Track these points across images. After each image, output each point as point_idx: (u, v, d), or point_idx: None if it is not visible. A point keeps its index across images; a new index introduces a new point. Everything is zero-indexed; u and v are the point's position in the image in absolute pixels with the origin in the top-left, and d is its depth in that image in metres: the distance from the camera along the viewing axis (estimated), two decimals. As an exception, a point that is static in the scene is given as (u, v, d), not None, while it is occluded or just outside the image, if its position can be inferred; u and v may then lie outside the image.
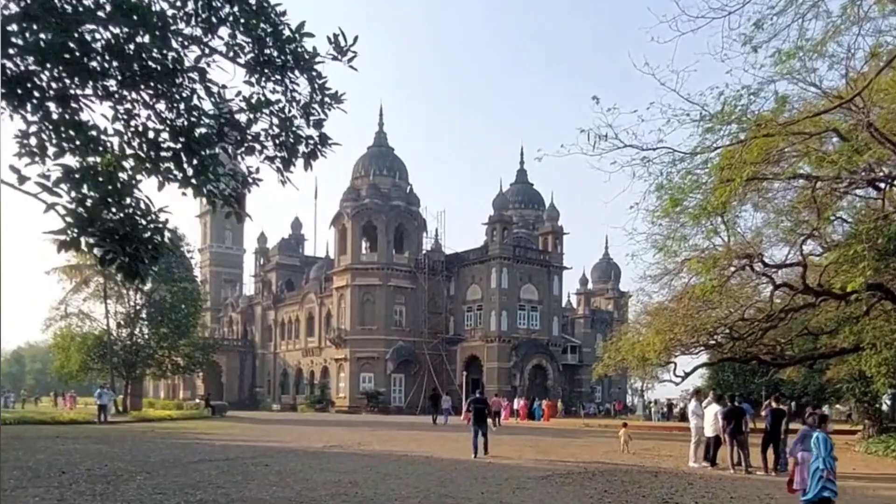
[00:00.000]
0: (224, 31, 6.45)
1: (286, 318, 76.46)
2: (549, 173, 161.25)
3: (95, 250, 5.86)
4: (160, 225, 6.06)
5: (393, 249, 64.80)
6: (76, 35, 5.83)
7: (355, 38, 6.58)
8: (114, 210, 5.87)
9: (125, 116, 6.28)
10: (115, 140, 6.14)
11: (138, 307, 47.77)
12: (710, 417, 17.15)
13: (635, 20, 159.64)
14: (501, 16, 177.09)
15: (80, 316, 47.47)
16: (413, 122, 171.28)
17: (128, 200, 5.97)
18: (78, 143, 5.96)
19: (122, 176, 6.03)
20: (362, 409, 59.61)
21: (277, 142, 6.79)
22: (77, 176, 5.73)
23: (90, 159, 5.98)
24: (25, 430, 26.47)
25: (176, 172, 6.35)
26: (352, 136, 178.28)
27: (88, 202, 5.72)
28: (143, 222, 5.98)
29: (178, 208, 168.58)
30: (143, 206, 5.99)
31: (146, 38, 5.99)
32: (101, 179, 5.81)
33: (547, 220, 65.20)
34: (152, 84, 6.18)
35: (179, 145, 6.32)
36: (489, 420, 20.66)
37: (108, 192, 5.82)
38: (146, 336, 48.19)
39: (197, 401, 57.33)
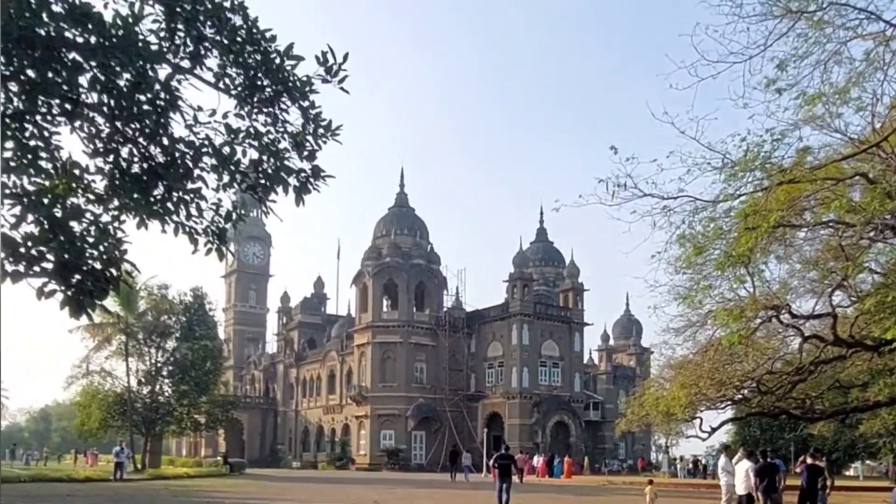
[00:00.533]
0: (212, 61, 5.89)
1: (308, 375, 76.14)
2: (568, 230, 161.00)
3: (31, 281, 5.12)
4: (116, 255, 5.39)
5: (414, 307, 64.75)
6: (59, 67, 5.37)
7: (345, 56, 6.05)
8: (60, 237, 5.19)
9: (102, 149, 5.72)
10: (90, 165, 5.62)
11: (159, 364, 47.68)
12: (742, 474, 16.53)
13: (652, 66, 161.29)
14: (514, 69, 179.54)
15: (101, 374, 47.38)
16: (433, 182, 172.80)
17: (75, 226, 5.31)
18: (41, 165, 5.48)
19: (75, 200, 5.48)
20: (383, 466, 58.73)
21: (259, 169, 6.12)
22: (25, 199, 5.23)
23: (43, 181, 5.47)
24: (38, 489, 26.14)
25: (139, 199, 5.65)
26: (374, 196, 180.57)
27: (28, 226, 5.15)
28: (94, 251, 5.30)
29: (205, 267, 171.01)
30: (94, 232, 5.33)
31: (131, 73, 5.47)
32: (45, 202, 5.23)
33: (567, 277, 64.93)
34: (138, 120, 5.64)
35: (144, 169, 5.70)
36: (514, 476, 20.80)
37: (52, 217, 5.20)
38: (166, 393, 47.96)
39: (218, 458, 56.68)
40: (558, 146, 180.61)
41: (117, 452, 32.89)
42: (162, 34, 5.68)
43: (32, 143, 5.51)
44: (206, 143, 5.87)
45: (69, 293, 5.16)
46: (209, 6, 5.71)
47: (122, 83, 5.51)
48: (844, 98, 13.38)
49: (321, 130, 6.18)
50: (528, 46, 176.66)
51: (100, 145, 5.73)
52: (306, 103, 6.07)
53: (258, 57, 5.92)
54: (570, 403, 61.05)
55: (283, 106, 6.07)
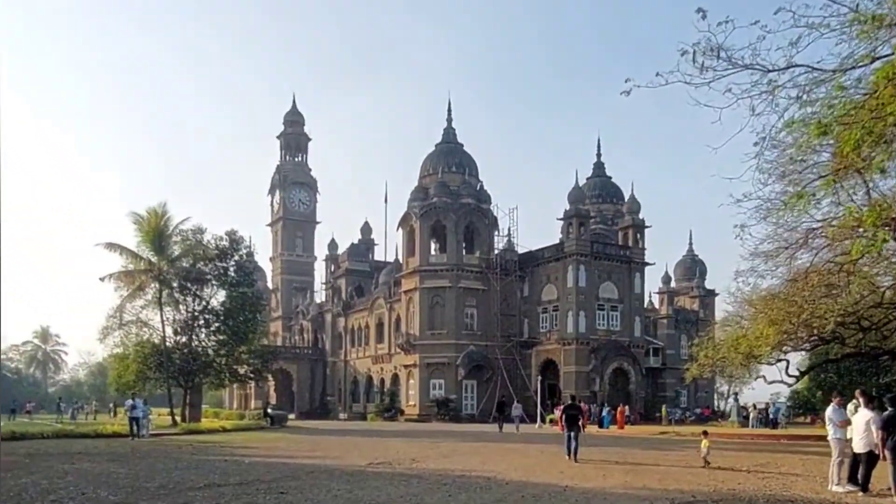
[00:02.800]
0: None
1: (356, 324, 74.20)
2: (628, 165, 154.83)
3: None
4: None
5: (463, 250, 61.71)
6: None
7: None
8: None
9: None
10: None
11: (196, 313, 45.53)
12: (861, 426, 12.94)
13: None
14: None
15: (137, 324, 45.45)
16: (483, 116, 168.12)
17: None
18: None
19: None
20: (432, 417, 56.58)
21: None
22: None
23: None
24: (55, 445, 23.97)
25: None
26: (420, 132, 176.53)
27: None
28: None
29: (251, 216, 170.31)
30: None
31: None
32: None
33: (627, 214, 60.76)
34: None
35: None
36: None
37: None
38: (204, 343, 45.92)
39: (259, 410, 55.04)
40: (617, 67, 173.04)
41: (130, 407, 29.60)
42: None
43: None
44: None
45: None
46: None
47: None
48: None
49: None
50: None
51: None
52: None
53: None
54: (629, 349, 57.55)
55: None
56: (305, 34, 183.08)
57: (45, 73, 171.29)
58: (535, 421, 45.75)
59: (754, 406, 46.32)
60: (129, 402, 30.50)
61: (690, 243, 76.37)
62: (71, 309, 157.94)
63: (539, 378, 52.37)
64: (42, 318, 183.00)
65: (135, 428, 28.71)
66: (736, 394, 63.98)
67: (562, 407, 22.44)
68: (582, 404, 36.01)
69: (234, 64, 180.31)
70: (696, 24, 9.92)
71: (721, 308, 52.31)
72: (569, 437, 19.51)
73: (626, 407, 47.64)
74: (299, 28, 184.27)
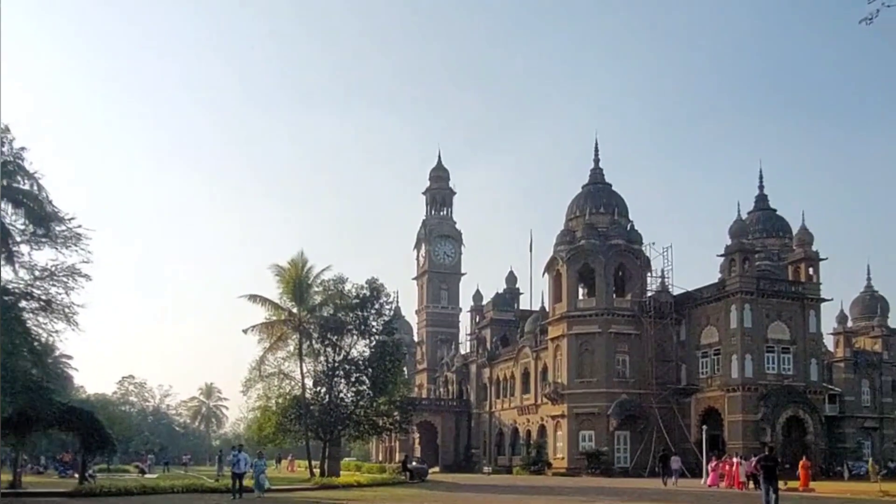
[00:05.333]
0: None
1: (501, 375, 71.72)
2: (793, 196, 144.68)
3: None
4: None
5: (613, 293, 58.13)
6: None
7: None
8: None
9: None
10: None
11: (335, 364, 44.51)
12: None
13: None
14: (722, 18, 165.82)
15: (278, 376, 44.95)
16: (632, 154, 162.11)
17: None
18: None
19: None
20: (582, 470, 52.80)
21: None
22: None
23: None
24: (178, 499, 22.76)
25: None
26: (566, 176, 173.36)
27: None
28: None
29: (396, 271, 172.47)
30: None
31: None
32: None
33: (797, 246, 55.17)
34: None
35: None
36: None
37: None
38: (342, 394, 44.72)
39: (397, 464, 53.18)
40: (784, 102, 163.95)
41: (236, 460, 25.47)
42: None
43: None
44: None
45: None
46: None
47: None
48: None
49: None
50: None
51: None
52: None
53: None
54: (805, 395, 51.51)
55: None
56: (449, 93, 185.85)
57: (213, 150, 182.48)
58: (696, 475, 41.39)
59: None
60: (233, 454, 26.83)
61: (868, 278, 69.31)
62: (234, 364, 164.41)
63: (703, 427, 47.59)
64: (207, 374, 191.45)
65: (237, 483, 25.25)
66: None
67: (757, 457, 22.62)
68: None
69: (382, 123, 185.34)
70: None
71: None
72: (767, 490, 18.70)
73: (808, 461, 42.30)
74: (444, 86, 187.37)
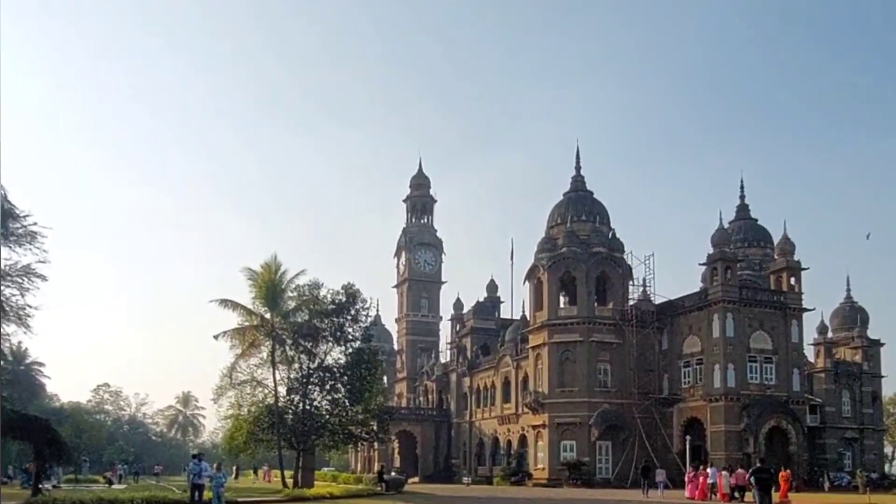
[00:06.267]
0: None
1: (481, 384, 70.70)
2: (774, 206, 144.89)
3: None
4: None
5: (595, 301, 57.23)
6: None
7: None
8: None
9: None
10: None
11: (310, 371, 43.25)
12: None
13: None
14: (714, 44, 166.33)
15: (251, 383, 43.59)
16: (613, 163, 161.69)
17: None
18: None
19: None
20: (563, 481, 51.73)
21: None
22: None
23: None
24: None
25: None
26: (546, 183, 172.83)
27: None
28: None
29: (377, 280, 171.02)
30: None
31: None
32: None
33: (779, 255, 54.78)
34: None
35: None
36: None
37: None
38: (317, 403, 43.46)
39: (372, 474, 51.97)
40: (763, 113, 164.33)
41: (195, 471, 23.49)
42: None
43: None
44: None
45: None
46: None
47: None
48: None
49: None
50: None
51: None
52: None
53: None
54: (788, 405, 50.89)
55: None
56: (430, 101, 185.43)
57: (191, 159, 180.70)
58: (680, 486, 40.50)
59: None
60: (192, 463, 24.35)
61: (848, 289, 68.67)
62: (211, 372, 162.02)
63: (687, 438, 46.87)
64: (184, 383, 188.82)
65: (196, 495, 23.35)
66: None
67: (751, 469, 22.36)
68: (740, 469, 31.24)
69: (360, 133, 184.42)
70: None
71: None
72: (761, 502, 18.90)
73: (789, 471, 41.54)
74: (424, 94, 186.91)
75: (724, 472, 35.11)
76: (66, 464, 37.03)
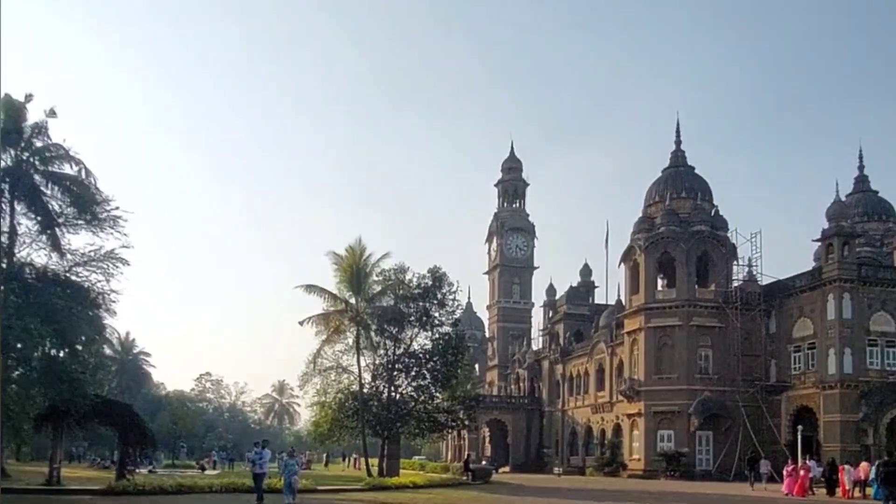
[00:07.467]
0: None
1: (574, 371, 68.43)
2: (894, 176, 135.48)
3: None
4: None
5: (695, 283, 54.11)
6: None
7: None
8: None
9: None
10: None
11: (395, 357, 42.24)
12: None
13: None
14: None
15: (336, 369, 42.93)
16: (716, 136, 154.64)
17: None
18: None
19: None
20: (660, 472, 49.35)
21: None
22: None
23: None
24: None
25: None
26: (646, 163, 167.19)
27: None
28: None
29: (469, 266, 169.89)
30: None
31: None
32: None
33: (905, 228, 50.56)
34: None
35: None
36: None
37: None
38: (402, 389, 42.43)
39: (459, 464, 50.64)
40: (883, 77, 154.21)
41: (256, 460, 22.30)
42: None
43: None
44: None
45: None
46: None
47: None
48: None
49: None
50: None
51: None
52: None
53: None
54: (913, 392, 46.77)
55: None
56: (523, 83, 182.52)
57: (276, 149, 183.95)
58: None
59: None
60: (255, 451, 23.18)
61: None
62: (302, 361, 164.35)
63: (799, 427, 43.55)
64: (281, 371, 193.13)
65: (258, 485, 22.05)
66: None
67: (877, 463, 21.29)
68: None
69: (455, 116, 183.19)
70: None
71: None
72: (886, 498, 17.92)
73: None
74: (517, 77, 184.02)
75: (846, 466, 32.12)
76: (152, 448, 37.08)
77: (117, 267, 26.46)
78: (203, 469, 50.80)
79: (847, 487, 31.32)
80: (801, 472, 32.66)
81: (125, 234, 26.22)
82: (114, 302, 26.67)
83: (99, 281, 26.45)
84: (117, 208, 26.43)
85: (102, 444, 60.79)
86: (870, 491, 29.10)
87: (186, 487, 25.24)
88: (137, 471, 39.79)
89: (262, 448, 22.57)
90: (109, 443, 60.88)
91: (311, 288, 41.92)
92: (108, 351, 74.96)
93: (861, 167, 60.49)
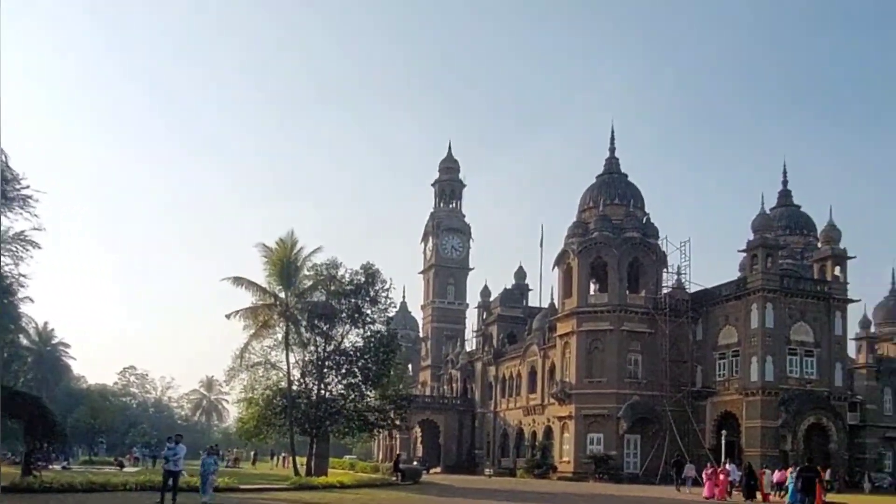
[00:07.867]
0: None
1: (507, 373, 68.66)
2: (819, 190, 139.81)
3: None
4: None
5: (626, 289, 54.60)
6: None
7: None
8: None
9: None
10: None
11: (325, 354, 41.43)
12: None
13: None
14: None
15: (264, 365, 41.88)
16: (648, 145, 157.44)
17: None
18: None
19: None
20: (589, 475, 49.66)
21: None
22: None
23: None
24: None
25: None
26: (579, 169, 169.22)
27: None
28: None
29: (405, 265, 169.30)
30: None
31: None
32: None
33: (823, 243, 51.83)
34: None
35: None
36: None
37: None
38: (332, 387, 41.65)
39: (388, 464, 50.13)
40: (808, 96, 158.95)
41: (170, 457, 20.53)
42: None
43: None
44: None
45: None
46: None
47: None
48: None
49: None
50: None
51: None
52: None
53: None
54: (829, 401, 48.08)
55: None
56: (459, 87, 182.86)
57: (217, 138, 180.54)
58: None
59: None
60: (168, 447, 21.27)
61: (893, 282, 65.47)
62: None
63: (723, 433, 44.49)
64: (209, 367, 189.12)
65: (170, 483, 20.38)
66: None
67: (796, 468, 21.54)
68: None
69: (390, 118, 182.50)
70: None
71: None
72: (803, 502, 18.43)
73: (828, 471, 39.10)
74: (453, 80, 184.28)
75: (766, 471, 32.80)
76: (63, 443, 35.57)
77: (27, 250, 25.13)
78: (122, 466, 49.02)
79: (767, 491, 31.94)
80: (721, 476, 33.22)
81: (36, 216, 24.88)
82: (22, 287, 25.39)
83: (7, 265, 25.11)
84: (27, 187, 24.99)
85: (15, 437, 58.32)
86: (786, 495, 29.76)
87: (98, 485, 24.07)
88: (49, 467, 38.36)
89: (175, 444, 20.77)
90: (22, 437, 58.64)
91: (238, 280, 40.64)
92: (24, 341, 72.29)
93: (785, 182, 62.04)
